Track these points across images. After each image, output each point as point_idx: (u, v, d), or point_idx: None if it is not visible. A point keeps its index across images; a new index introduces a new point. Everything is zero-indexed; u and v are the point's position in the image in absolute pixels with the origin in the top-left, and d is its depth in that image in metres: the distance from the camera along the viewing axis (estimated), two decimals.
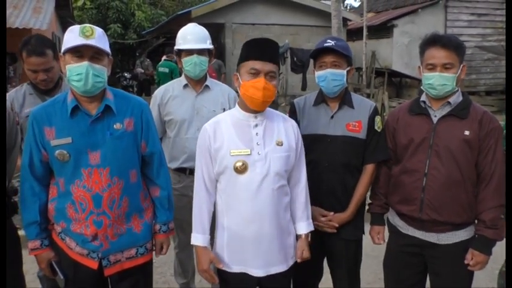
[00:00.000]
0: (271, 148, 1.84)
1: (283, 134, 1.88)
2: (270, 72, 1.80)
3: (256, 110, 1.85)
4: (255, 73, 1.79)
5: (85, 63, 1.73)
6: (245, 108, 1.87)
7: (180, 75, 2.81)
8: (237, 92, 2.64)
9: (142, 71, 12.76)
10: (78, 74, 1.73)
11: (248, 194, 1.82)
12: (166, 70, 9.01)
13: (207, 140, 1.87)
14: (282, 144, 1.86)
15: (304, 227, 1.97)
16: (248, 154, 1.81)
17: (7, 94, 2.45)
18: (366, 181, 2.20)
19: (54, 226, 1.91)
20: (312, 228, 2.01)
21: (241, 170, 1.81)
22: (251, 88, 1.78)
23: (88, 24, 1.77)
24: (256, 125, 1.86)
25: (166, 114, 2.67)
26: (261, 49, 1.82)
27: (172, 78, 8.04)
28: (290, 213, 1.96)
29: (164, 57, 9.54)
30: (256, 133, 1.84)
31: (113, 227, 1.85)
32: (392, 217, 2.25)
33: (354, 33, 13.56)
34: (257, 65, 1.79)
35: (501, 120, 2.27)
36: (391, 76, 13.05)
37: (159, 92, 2.74)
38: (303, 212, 1.97)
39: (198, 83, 2.70)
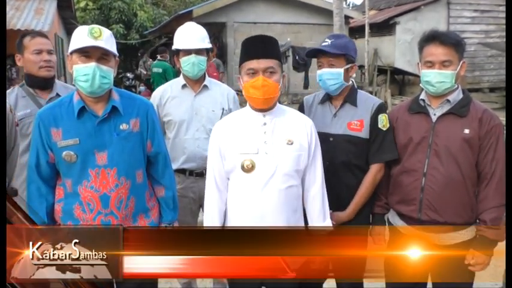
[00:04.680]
0: (279, 147, 1.82)
1: (294, 132, 1.85)
2: (268, 68, 1.78)
3: (261, 108, 1.84)
4: (253, 73, 1.79)
5: (92, 64, 1.73)
6: (253, 107, 1.87)
7: (174, 75, 2.80)
8: (237, 91, 2.65)
9: (145, 72, 12.72)
10: (85, 74, 1.73)
11: (254, 193, 1.82)
12: (160, 70, 8.85)
13: (217, 137, 1.89)
14: (292, 143, 1.83)
15: None
16: (255, 153, 1.81)
17: None
18: (367, 181, 2.16)
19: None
20: (330, 228, 1.93)
21: (248, 169, 1.81)
22: (251, 88, 1.79)
23: (96, 25, 1.78)
24: (264, 124, 1.84)
25: (165, 115, 2.66)
26: (255, 47, 1.81)
27: (166, 78, 7.96)
28: (303, 214, 1.92)
29: (158, 57, 9.45)
30: (264, 132, 1.83)
31: None
32: (392, 217, 2.23)
33: (356, 31, 13.48)
34: (253, 64, 1.79)
35: (503, 117, 2.24)
36: (393, 74, 13.00)
37: (157, 93, 2.73)
38: (319, 214, 1.91)
39: (196, 83, 2.68)
